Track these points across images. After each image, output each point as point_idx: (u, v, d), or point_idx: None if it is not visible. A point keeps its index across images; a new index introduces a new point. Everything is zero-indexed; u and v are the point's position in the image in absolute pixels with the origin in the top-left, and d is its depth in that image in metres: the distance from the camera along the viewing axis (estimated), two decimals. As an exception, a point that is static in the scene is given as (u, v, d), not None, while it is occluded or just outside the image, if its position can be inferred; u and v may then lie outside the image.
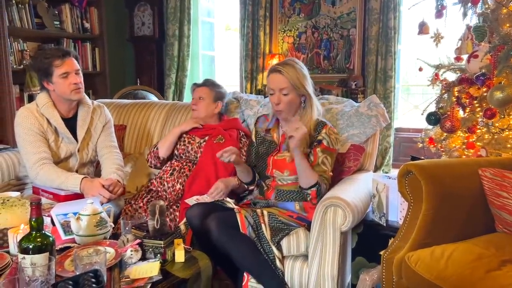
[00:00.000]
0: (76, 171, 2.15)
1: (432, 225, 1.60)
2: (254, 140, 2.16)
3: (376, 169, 4.08)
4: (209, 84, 2.44)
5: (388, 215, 1.99)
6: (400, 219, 1.95)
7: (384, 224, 1.97)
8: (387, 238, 1.89)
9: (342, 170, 2.16)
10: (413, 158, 3.01)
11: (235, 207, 1.91)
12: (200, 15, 5.18)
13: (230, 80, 5.54)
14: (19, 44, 3.91)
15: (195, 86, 2.47)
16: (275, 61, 4.67)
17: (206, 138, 2.34)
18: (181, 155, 2.37)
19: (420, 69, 2.98)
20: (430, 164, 1.71)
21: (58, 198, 1.94)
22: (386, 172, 4.29)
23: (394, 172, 4.23)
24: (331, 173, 1.93)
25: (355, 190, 1.94)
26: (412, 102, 4.81)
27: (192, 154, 2.34)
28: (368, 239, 2.03)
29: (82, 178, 1.99)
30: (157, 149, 2.39)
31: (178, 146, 2.39)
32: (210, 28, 5.42)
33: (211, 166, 2.21)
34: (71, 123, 2.15)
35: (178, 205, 2.21)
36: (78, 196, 1.95)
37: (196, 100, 2.41)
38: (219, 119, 2.47)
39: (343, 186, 1.96)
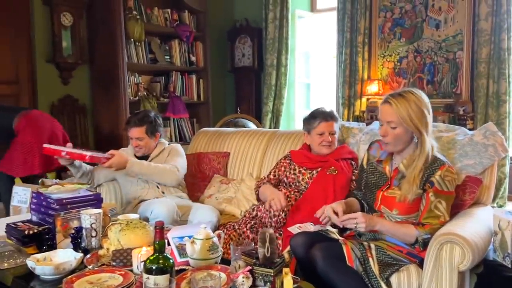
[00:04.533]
0: None
1: None
2: (365, 167, 2.05)
3: (490, 202, 3.73)
4: (334, 117, 2.38)
5: (514, 256, 1.79)
6: (528, 260, 1.75)
7: (509, 265, 1.78)
8: (513, 281, 1.71)
9: (457, 203, 2.00)
10: (535, 191, 2.70)
11: (341, 238, 1.87)
12: (297, 44, 5.30)
13: (325, 107, 5.52)
14: (135, 78, 4.33)
15: (322, 120, 2.34)
16: (374, 86, 4.57)
17: (319, 169, 2.31)
18: (291, 183, 2.37)
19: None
20: None
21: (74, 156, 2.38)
22: (501, 205, 3.91)
23: (511, 206, 3.85)
24: (446, 218, 1.77)
25: (473, 226, 1.79)
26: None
27: (302, 185, 2.32)
28: (489, 280, 1.84)
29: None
30: (257, 194, 2.39)
31: (288, 174, 2.38)
32: (306, 56, 5.50)
33: (320, 197, 2.17)
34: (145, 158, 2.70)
35: (281, 232, 2.24)
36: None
37: (331, 137, 2.32)
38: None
39: (459, 221, 1.82)
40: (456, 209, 2.00)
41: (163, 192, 2.62)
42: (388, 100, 1.82)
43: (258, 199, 2.40)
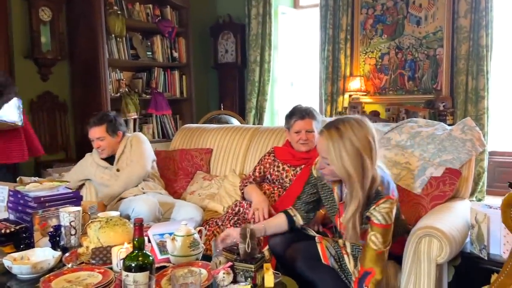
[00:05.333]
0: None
1: (544, 262, 1.45)
2: (315, 176, 1.87)
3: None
4: (312, 114, 2.31)
5: (490, 248, 1.83)
6: (504, 252, 1.79)
7: (485, 258, 1.82)
8: (489, 273, 1.74)
9: (437, 195, 2.04)
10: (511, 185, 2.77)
11: (317, 235, 1.88)
12: (280, 40, 5.30)
13: (308, 103, 5.54)
14: (116, 74, 4.28)
15: (298, 118, 2.30)
16: (356, 83, 4.59)
17: (302, 166, 2.31)
18: (274, 180, 2.38)
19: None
20: (540, 193, 1.56)
21: None
22: (480, 199, 3.99)
23: (489, 199, 3.94)
24: (382, 249, 1.61)
25: (450, 219, 1.82)
26: (505, 123, 4.43)
27: (286, 182, 2.32)
28: (467, 272, 1.88)
29: None
30: (242, 192, 2.39)
31: (271, 171, 2.39)
32: (289, 52, 5.50)
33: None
34: (114, 158, 2.70)
35: (263, 229, 2.24)
36: None
37: (306, 135, 2.29)
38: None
39: (437, 215, 1.85)
40: (436, 200, 2.04)
41: (142, 189, 2.61)
42: (323, 133, 1.62)
43: (243, 198, 2.40)
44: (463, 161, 2.17)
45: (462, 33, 4.06)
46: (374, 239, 1.62)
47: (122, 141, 2.72)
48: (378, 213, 1.61)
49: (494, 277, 1.59)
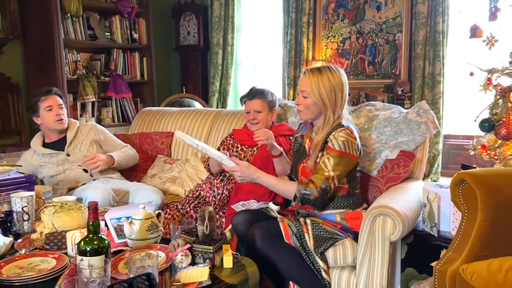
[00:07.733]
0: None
1: (488, 237, 1.53)
2: (294, 144, 2.13)
3: (424, 177, 3.95)
4: (260, 95, 2.38)
5: (440, 225, 1.92)
6: (453, 229, 1.88)
7: (436, 235, 1.91)
8: (439, 249, 1.82)
9: (392, 176, 2.11)
10: (464, 166, 2.89)
11: (278, 216, 1.91)
12: (243, 23, 5.25)
13: (271, 87, 5.53)
14: (73, 55, 4.11)
15: (247, 99, 2.40)
16: (318, 67, 4.64)
17: (259, 146, 2.33)
18: None
19: (471, 74, 2.88)
20: (486, 173, 1.64)
21: None
22: (435, 180, 4.15)
23: (443, 180, 4.12)
24: (331, 175, 1.78)
25: (404, 199, 1.89)
26: (459, 108, 4.61)
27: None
28: (419, 249, 1.96)
29: None
30: (209, 166, 2.39)
31: (230, 152, 2.40)
32: (252, 36, 5.47)
33: None
34: (61, 142, 2.57)
35: (224, 211, 2.25)
36: None
37: (254, 114, 2.36)
38: (270, 127, 2.45)
39: (392, 195, 1.91)
40: (391, 182, 2.11)
41: (91, 176, 2.53)
42: (305, 72, 1.91)
43: (210, 171, 2.41)
44: (417, 143, 2.25)
45: (420, 19, 4.15)
46: (326, 161, 1.80)
47: (71, 125, 2.63)
48: (335, 140, 1.81)
49: (443, 253, 1.66)
